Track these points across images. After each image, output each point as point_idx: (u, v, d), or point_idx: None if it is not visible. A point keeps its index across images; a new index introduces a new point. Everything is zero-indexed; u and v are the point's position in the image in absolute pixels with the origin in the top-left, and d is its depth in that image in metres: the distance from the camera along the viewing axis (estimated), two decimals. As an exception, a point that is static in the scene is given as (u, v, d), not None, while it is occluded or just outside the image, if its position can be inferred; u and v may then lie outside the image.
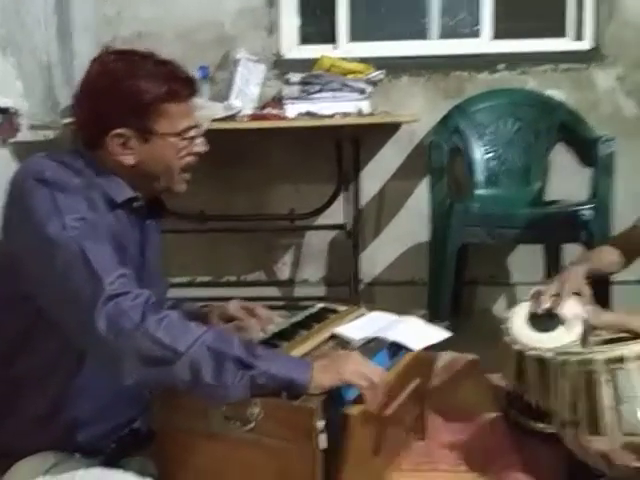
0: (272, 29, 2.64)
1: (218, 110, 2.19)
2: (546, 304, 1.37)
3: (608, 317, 1.14)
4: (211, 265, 2.80)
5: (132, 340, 0.90)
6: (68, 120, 2.31)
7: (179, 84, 1.06)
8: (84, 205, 0.99)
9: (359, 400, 0.96)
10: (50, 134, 2.43)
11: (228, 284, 2.80)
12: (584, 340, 1.17)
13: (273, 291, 2.80)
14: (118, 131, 1.04)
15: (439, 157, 2.27)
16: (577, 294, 1.39)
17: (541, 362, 1.30)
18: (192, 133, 1.09)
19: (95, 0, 2.68)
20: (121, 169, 1.06)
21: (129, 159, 1.06)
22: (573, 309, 1.38)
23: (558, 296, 1.39)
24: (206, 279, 2.81)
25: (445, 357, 1.64)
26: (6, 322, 1.05)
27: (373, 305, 1.47)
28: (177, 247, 2.52)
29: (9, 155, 2.21)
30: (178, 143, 1.07)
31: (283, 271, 2.82)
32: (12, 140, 2.20)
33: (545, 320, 1.36)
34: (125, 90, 1.03)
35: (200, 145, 1.11)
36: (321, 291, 2.78)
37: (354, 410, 0.95)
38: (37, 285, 0.97)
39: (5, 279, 1.04)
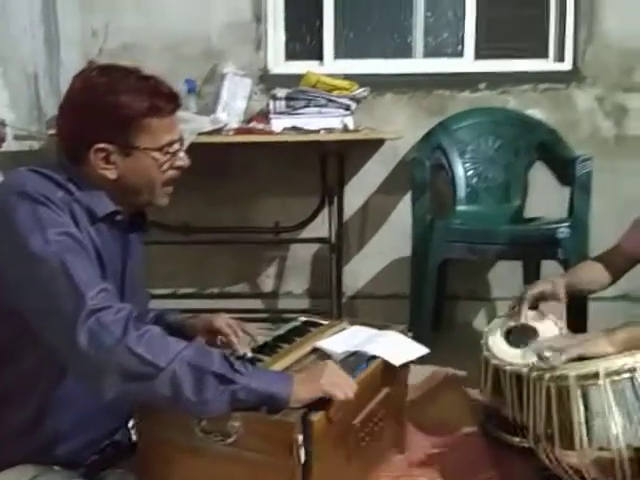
0: (259, 44, 2.67)
1: (205, 123, 2.20)
2: (521, 319, 1.40)
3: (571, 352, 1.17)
4: (195, 277, 2.80)
5: (113, 355, 0.90)
6: (53, 131, 2.32)
7: (161, 99, 1.07)
8: (66, 219, 0.99)
9: (324, 406, 0.97)
10: (35, 144, 2.42)
11: (211, 296, 2.80)
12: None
13: (257, 303, 2.81)
14: (100, 146, 1.04)
15: (421, 173, 2.30)
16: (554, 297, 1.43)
17: (518, 377, 1.33)
18: (174, 147, 1.10)
19: (82, 12, 2.68)
20: (104, 183, 1.07)
21: (111, 173, 1.06)
22: (549, 325, 1.41)
23: (536, 310, 1.43)
24: (190, 291, 2.81)
25: (426, 371, 1.67)
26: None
27: (355, 319, 1.48)
28: (161, 258, 2.52)
29: (-7, 165, 2.21)
30: (160, 157, 1.08)
31: (267, 283, 2.83)
32: (-3, 150, 2.20)
33: (521, 335, 1.40)
34: (107, 105, 1.04)
35: (182, 159, 1.12)
36: (304, 303, 2.79)
37: (315, 416, 0.96)
38: (19, 299, 0.97)
39: None
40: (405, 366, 1.25)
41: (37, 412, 1.04)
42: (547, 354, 1.13)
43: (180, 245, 2.64)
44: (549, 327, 1.43)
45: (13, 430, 1.04)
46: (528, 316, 1.43)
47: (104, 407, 1.04)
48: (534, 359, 1.28)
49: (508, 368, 1.36)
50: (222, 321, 1.24)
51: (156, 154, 1.07)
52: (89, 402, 1.02)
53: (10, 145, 2.25)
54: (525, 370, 1.27)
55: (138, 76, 1.08)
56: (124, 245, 1.14)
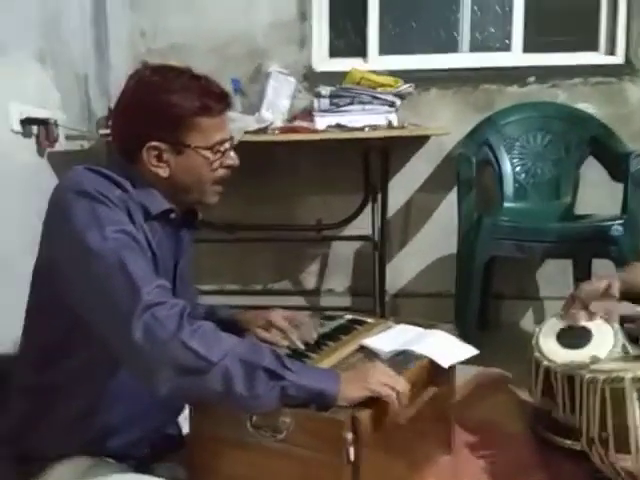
0: (303, 43, 2.68)
1: (250, 122, 2.22)
2: (576, 320, 1.36)
3: None
4: (239, 274, 2.83)
5: (167, 349, 0.91)
6: (103, 131, 2.38)
7: (212, 99, 1.08)
8: (123, 216, 1.02)
9: (370, 404, 0.97)
10: (86, 144, 2.50)
11: (255, 293, 2.83)
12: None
13: (299, 300, 2.82)
14: (153, 144, 1.07)
15: (468, 170, 2.27)
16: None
17: (570, 379, 1.30)
18: (225, 146, 1.11)
19: (130, 14, 2.75)
20: (157, 181, 1.09)
21: (164, 171, 1.08)
22: (602, 325, 1.37)
23: (588, 310, 1.38)
24: (234, 287, 2.84)
25: (472, 371, 1.64)
26: (43, 329, 1.08)
27: (400, 317, 1.47)
28: (207, 255, 2.56)
29: (47, 164, 2.28)
30: (210, 156, 1.09)
31: (309, 281, 2.84)
32: (50, 150, 2.27)
33: (574, 336, 1.36)
34: (159, 104, 1.06)
35: (232, 158, 1.13)
36: (346, 301, 2.79)
37: (364, 414, 0.95)
38: (76, 294, 1.00)
39: (44, 288, 1.07)
40: (452, 366, 1.23)
41: (90, 405, 1.06)
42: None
43: (225, 243, 2.68)
44: (602, 327, 1.38)
45: (67, 422, 1.07)
46: (581, 316, 1.39)
47: (155, 401, 1.05)
48: (588, 360, 1.25)
49: (560, 370, 1.32)
50: (276, 316, 1.25)
51: (207, 152, 1.09)
52: (141, 396, 1.03)
53: (62, 145, 2.32)
54: (578, 372, 1.24)
55: (190, 76, 1.10)
56: (176, 242, 1.16)
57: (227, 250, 2.74)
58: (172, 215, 1.12)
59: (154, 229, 1.09)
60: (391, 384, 0.98)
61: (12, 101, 2.09)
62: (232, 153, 1.14)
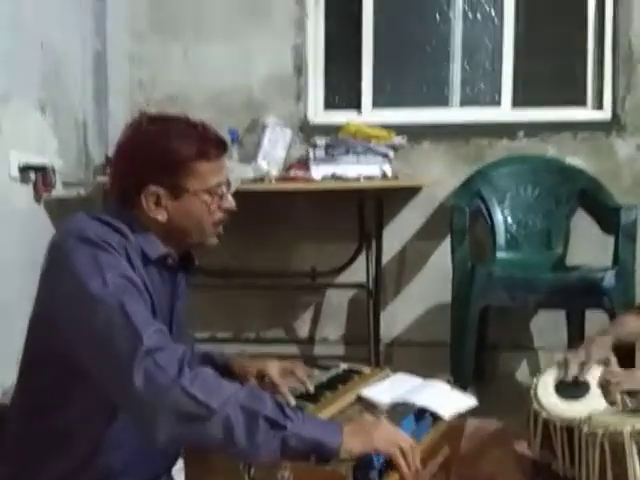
0: (299, 96, 2.75)
1: (247, 172, 2.26)
2: (574, 371, 1.36)
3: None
4: (232, 321, 2.81)
5: (168, 395, 0.90)
6: (100, 178, 2.40)
7: (210, 144, 1.10)
8: (123, 262, 1.02)
9: (390, 467, 0.95)
10: (82, 191, 2.52)
11: (248, 340, 2.80)
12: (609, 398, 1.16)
13: (292, 349, 2.80)
14: (151, 189, 1.08)
15: (461, 219, 2.30)
16: (604, 363, 1.39)
17: (569, 431, 1.29)
18: (222, 190, 1.13)
19: (130, 64, 2.82)
20: (155, 225, 1.10)
21: (162, 216, 1.09)
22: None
23: (585, 364, 1.39)
24: (226, 335, 2.82)
25: (470, 424, 1.62)
26: (40, 377, 1.07)
27: (397, 367, 1.46)
28: (199, 302, 2.53)
29: (43, 210, 2.29)
30: (208, 199, 1.11)
31: (303, 329, 2.83)
32: (46, 196, 2.28)
33: (572, 388, 1.36)
34: (157, 150, 1.08)
35: (229, 202, 1.14)
36: (340, 350, 2.77)
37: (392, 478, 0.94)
38: (75, 340, 0.99)
39: (41, 335, 1.06)
40: (461, 421, 1.22)
41: (87, 453, 1.04)
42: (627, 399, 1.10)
43: (218, 289, 2.67)
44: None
45: (64, 471, 1.05)
46: (579, 368, 1.39)
47: (152, 449, 1.02)
48: (587, 412, 1.24)
49: (559, 422, 1.31)
50: (273, 368, 1.24)
51: (204, 196, 1.10)
52: (140, 444, 1.01)
53: (59, 191, 2.34)
54: (577, 423, 1.23)
55: (187, 122, 1.12)
56: (172, 287, 1.16)
57: (220, 297, 2.72)
58: (169, 260, 1.13)
59: (151, 274, 1.09)
60: (396, 442, 0.96)
61: (12, 148, 2.11)
62: (229, 197, 1.15)
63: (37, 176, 2.23)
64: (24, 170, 2.17)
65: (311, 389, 1.23)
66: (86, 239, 1.01)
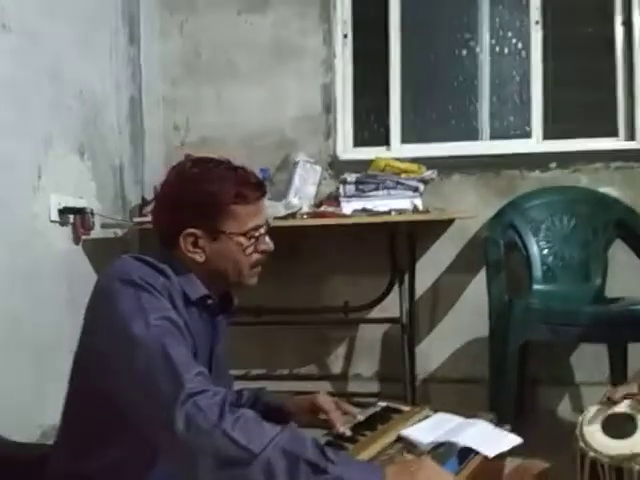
0: (329, 133, 2.79)
1: (279, 209, 2.28)
2: (622, 407, 1.32)
3: None
4: (265, 358, 2.81)
5: (209, 439, 0.90)
6: (137, 219, 2.45)
7: (248, 187, 1.13)
8: (166, 303, 1.04)
9: None
10: (119, 232, 2.57)
11: (281, 377, 2.79)
12: None
13: (325, 385, 2.77)
14: (189, 231, 1.11)
15: (496, 252, 2.28)
16: None
17: (618, 471, 1.24)
18: (259, 232, 1.14)
19: (165, 109, 2.91)
20: (194, 266, 1.12)
21: (200, 257, 1.12)
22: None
23: (633, 398, 1.34)
24: (259, 372, 2.81)
25: (511, 464, 1.57)
26: (80, 418, 1.08)
27: (433, 404, 1.43)
28: (232, 339, 2.54)
29: (82, 252, 2.34)
30: (244, 242, 1.12)
31: (336, 365, 2.81)
32: (85, 237, 2.34)
33: (620, 425, 1.31)
34: (198, 193, 1.11)
35: (267, 244, 1.16)
36: (374, 386, 2.74)
37: None
38: (117, 382, 1.00)
39: (84, 376, 1.07)
40: (500, 460, 1.18)
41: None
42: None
43: (251, 326, 2.67)
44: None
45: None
46: (625, 404, 1.35)
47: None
48: (637, 450, 1.20)
49: (607, 461, 1.27)
50: (323, 399, 1.24)
51: (241, 239, 1.12)
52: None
53: (97, 233, 2.40)
54: (628, 464, 1.19)
55: (227, 166, 1.15)
56: (212, 328, 1.18)
57: (253, 333, 2.73)
58: (209, 301, 1.14)
59: (192, 314, 1.10)
60: None
61: (52, 192, 2.18)
62: (267, 238, 1.17)
63: (76, 218, 2.29)
64: (63, 212, 2.23)
65: (360, 419, 1.23)
66: (130, 281, 1.03)
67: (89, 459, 1.05)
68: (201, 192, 1.10)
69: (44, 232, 2.15)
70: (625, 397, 1.36)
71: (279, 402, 1.27)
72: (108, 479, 1.04)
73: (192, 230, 1.11)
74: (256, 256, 1.15)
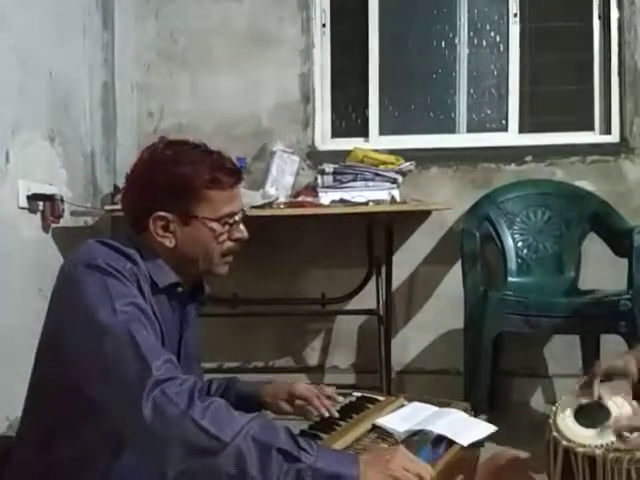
0: (307, 123, 2.77)
1: (256, 198, 2.26)
2: (594, 396, 1.32)
3: None
4: (240, 350, 2.78)
5: (178, 427, 0.88)
6: (109, 207, 2.40)
7: (223, 173, 1.09)
8: (133, 289, 1.01)
9: None
10: (90, 220, 2.52)
11: (256, 370, 2.77)
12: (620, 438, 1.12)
13: (301, 378, 2.75)
14: (160, 214, 1.07)
15: (472, 244, 2.29)
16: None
17: (591, 460, 1.25)
18: (234, 219, 1.11)
19: (139, 95, 2.85)
20: (163, 251, 1.09)
21: (169, 241, 1.08)
22: (622, 403, 1.33)
23: (605, 388, 1.35)
24: (234, 364, 2.78)
25: (486, 453, 1.57)
26: (46, 408, 1.05)
27: (409, 395, 1.43)
28: (206, 330, 2.50)
29: (51, 239, 2.29)
30: (218, 228, 1.09)
31: (312, 357, 2.79)
32: (54, 225, 2.28)
33: (594, 414, 1.31)
34: (169, 175, 1.07)
35: (241, 232, 1.13)
36: (351, 378, 2.73)
37: None
38: (83, 369, 0.97)
39: (48, 365, 1.04)
40: (476, 448, 1.18)
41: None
42: (627, 434, 1.06)
43: (225, 317, 2.64)
44: (621, 405, 1.34)
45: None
46: (599, 394, 1.35)
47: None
48: (609, 440, 1.20)
49: (580, 450, 1.27)
50: (301, 386, 1.23)
51: (214, 224, 1.09)
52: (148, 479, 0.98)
53: (67, 220, 2.34)
54: (600, 452, 1.19)
55: (203, 150, 1.11)
56: (181, 316, 1.15)
57: (228, 324, 2.70)
58: (179, 289, 1.11)
59: (160, 302, 1.08)
60: (415, 471, 0.93)
61: (21, 178, 2.12)
62: (241, 226, 1.14)
63: (45, 205, 2.23)
64: (32, 199, 2.18)
65: (341, 399, 1.23)
66: (96, 266, 1.00)
67: (55, 450, 1.03)
68: (174, 174, 1.07)
69: (12, 219, 2.10)
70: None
71: (252, 391, 1.25)
72: (73, 470, 1.02)
73: (163, 213, 1.07)
74: (228, 244, 1.12)
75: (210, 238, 1.09)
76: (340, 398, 1.23)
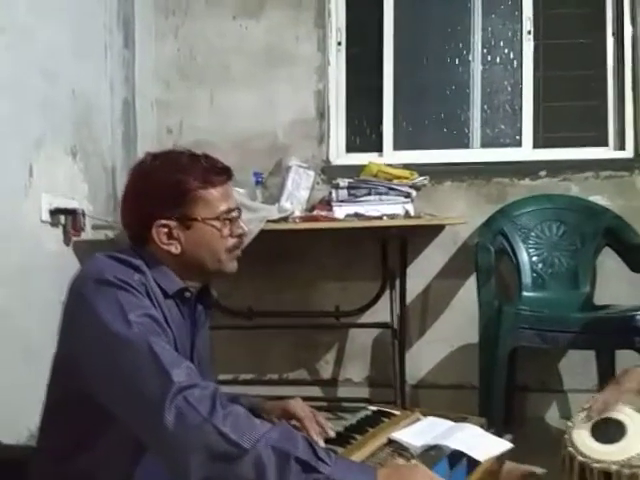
0: (322, 139, 2.81)
1: (272, 212, 2.29)
2: (608, 412, 1.33)
3: None
4: (254, 362, 2.80)
5: (200, 434, 0.89)
6: (128, 220, 2.44)
7: (213, 172, 1.12)
8: (145, 300, 1.03)
9: None
10: (110, 234, 2.55)
11: (270, 382, 2.78)
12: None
13: (315, 391, 2.77)
14: (161, 222, 1.10)
15: (486, 258, 2.29)
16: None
17: (607, 476, 1.25)
18: (232, 215, 1.14)
19: (158, 112, 2.90)
20: (170, 258, 1.11)
21: (175, 248, 1.11)
22: (635, 416, 1.33)
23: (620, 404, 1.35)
24: (248, 376, 2.80)
25: (506, 466, 1.57)
26: (64, 418, 1.07)
27: (427, 409, 1.44)
28: (221, 343, 2.54)
29: (72, 253, 2.33)
30: (219, 226, 1.12)
31: (326, 370, 2.80)
32: (76, 239, 2.32)
33: (609, 430, 1.32)
34: (162, 184, 1.10)
35: (240, 227, 1.16)
36: (365, 392, 2.73)
37: None
38: (101, 383, 0.98)
39: (65, 378, 1.06)
40: (498, 465, 1.18)
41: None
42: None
43: (240, 330, 2.67)
44: (635, 418, 1.34)
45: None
46: (615, 409, 1.35)
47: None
48: (626, 456, 1.20)
49: (596, 466, 1.27)
50: (296, 405, 1.22)
51: (215, 223, 1.12)
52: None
53: (88, 234, 2.38)
54: (616, 468, 1.19)
55: (189, 154, 1.15)
56: (192, 322, 1.17)
57: (242, 337, 2.72)
58: (187, 294, 1.13)
59: (170, 309, 1.09)
60: None
61: (43, 192, 2.17)
62: (240, 222, 1.16)
63: (67, 219, 2.27)
64: (55, 213, 2.22)
65: (332, 434, 1.19)
66: (105, 281, 1.01)
67: (73, 459, 1.04)
68: (168, 181, 1.09)
69: (35, 232, 2.14)
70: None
71: (252, 403, 1.25)
72: (96, 475, 1.04)
73: (164, 221, 1.10)
74: (232, 240, 1.14)
75: (213, 236, 1.12)
76: (332, 433, 1.18)
